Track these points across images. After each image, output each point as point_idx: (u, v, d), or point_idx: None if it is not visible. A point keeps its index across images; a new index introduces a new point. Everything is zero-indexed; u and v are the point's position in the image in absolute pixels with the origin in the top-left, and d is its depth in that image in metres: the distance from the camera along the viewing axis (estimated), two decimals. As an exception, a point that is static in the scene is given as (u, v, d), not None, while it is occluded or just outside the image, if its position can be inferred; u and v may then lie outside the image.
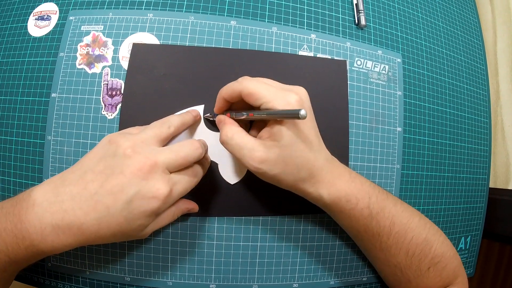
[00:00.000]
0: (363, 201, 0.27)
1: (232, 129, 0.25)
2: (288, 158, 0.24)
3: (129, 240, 0.27)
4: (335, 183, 0.26)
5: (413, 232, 0.28)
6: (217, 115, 0.29)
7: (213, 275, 0.31)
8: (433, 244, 0.28)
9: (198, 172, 0.26)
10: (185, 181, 0.25)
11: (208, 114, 0.30)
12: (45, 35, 0.33)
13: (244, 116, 0.25)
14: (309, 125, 0.25)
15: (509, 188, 0.44)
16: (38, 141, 0.31)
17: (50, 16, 0.33)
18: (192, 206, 0.29)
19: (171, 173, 0.24)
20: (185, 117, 0.28)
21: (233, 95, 0.26)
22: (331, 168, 0.27)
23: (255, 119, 0.25)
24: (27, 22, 0.34)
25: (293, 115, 0.20)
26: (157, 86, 0.31)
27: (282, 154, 0.24)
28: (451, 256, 0.29)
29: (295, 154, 0.24)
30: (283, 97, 0.23)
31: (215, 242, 0.31)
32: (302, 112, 0.19)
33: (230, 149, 0.25)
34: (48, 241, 0.21)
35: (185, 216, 0.30)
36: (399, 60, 0.38)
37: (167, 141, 0.26)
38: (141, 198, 0.22)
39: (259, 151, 0.24)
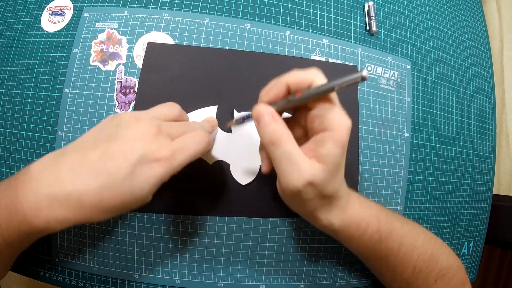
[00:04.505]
0: (372, 226, 0.26)
1: (284, 132, 0.21)
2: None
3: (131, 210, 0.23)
4: (347, 210, 0.25)
5: (420, 250, 0.28)
6: (245, 118, 0.25)
7: (221, 274, 0.31)
8: (439, 259, 0.28)
9: (202, 138, 0.24)
10: (189, 146, 0.22)
11: (239, 119, 0.26)
12: (59, 30, 0.33)
13: (290, 103, 0.20)
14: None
15: (512, 195, 0.45)
16: (50, 136, 0.31)
17: (64, 12, 0.33)
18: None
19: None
20: (204, 126, 0.26)
21: (301, 84, 0.22)
22: (344, 194, 0.25)
23: (305, 101, 0.20)
24: (40, 17, 0.34)
25: (356, 78, 0.18)
26: (171, 86, 0.31)
27: (326, 179, 0.21)
28: (458, 267, 0.29)
29: (334, 181, 0.22)
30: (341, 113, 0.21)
31: (224, 242, 0.31)
32: (364, 73, 0.16)
33: (275, 156, 0.21)
34: (42, 215, 0.20)
35: (195, 215, 0.31)
36: (408, 66, 0.38)
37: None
38: (144, 163, 0.20)
39: (308, 172, 0.20)
